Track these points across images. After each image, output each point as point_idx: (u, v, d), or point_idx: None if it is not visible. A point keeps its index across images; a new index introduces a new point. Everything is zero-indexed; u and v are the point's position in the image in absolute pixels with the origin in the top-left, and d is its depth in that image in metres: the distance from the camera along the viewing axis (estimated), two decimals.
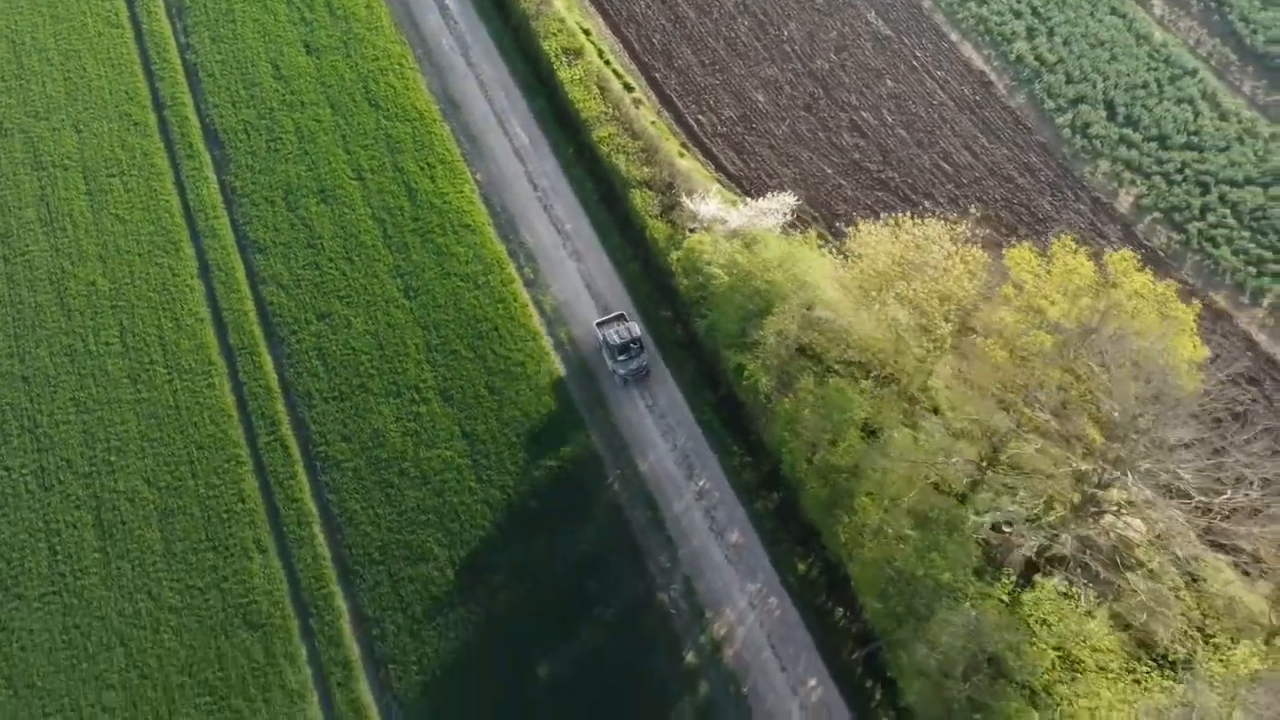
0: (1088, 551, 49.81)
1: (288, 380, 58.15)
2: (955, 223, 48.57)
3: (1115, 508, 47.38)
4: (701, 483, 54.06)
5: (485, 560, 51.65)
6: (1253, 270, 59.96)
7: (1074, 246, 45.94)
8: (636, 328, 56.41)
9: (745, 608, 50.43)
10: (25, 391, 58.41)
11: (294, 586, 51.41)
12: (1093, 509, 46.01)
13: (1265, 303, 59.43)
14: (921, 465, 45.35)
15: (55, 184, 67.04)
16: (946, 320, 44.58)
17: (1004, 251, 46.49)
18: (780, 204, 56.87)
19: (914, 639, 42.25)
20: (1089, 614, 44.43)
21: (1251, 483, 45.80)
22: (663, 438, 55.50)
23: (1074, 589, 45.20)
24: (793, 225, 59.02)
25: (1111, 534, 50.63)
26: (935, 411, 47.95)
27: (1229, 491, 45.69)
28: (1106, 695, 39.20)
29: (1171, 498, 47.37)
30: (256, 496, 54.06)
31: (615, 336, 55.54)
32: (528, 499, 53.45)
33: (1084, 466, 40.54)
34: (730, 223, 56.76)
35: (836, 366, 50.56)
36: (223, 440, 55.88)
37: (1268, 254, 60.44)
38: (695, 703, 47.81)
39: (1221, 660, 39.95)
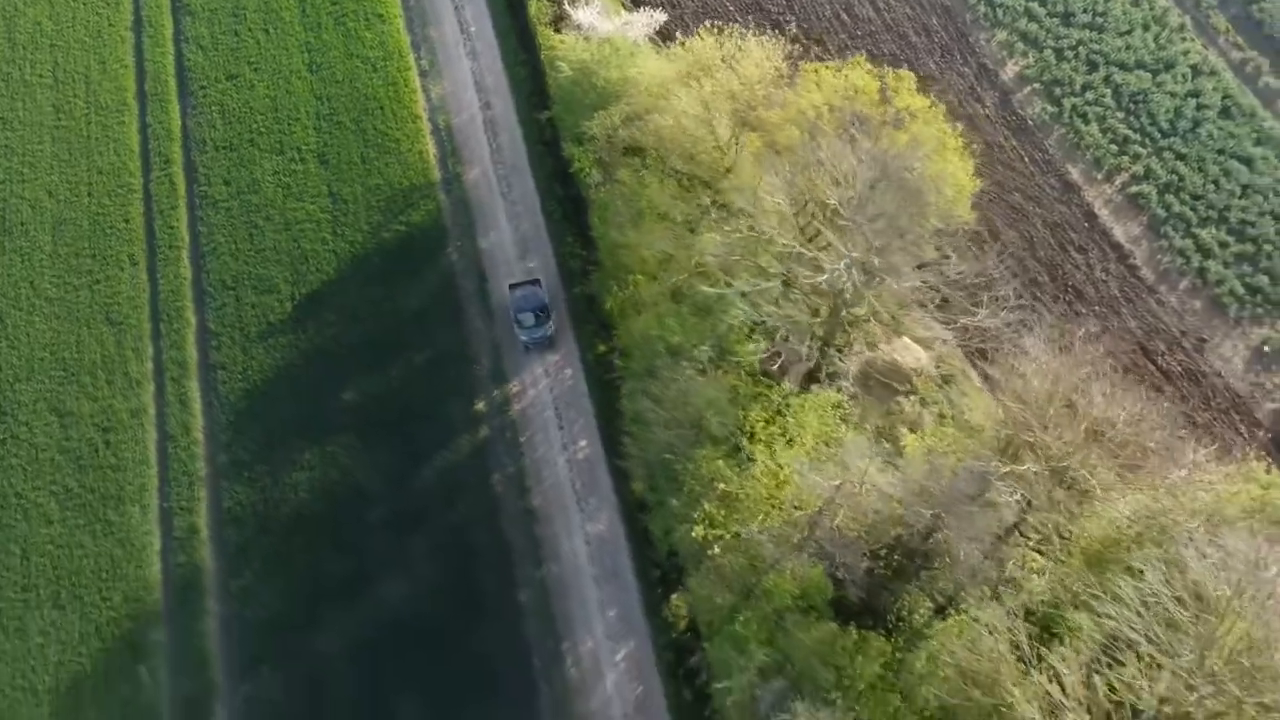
0: (865, 374, 53.63)
1: (188, 128, 64.12)
2: (778, 38, 51.45)
3: (867, 318, 50.89)
4: (531, 264, 58.64)
5: (322, 300, 57.50)
6: (1114, 149, 61.12)
7: (867, 65, 48.52)
8: (545, 295, 55.70)
9: (540, 374, 55.46)
10: None
11: (154, 297, 58.13)
12: (846, 316, 49.46)
13: (1118, 181, 60.78)
14: (694, 252, 49.23)
15: None
16: (726, 115, 47.76)
17: (801, 65, 49.27)
18: (649, 19, 59.75)
19: (640, 392, 46.90)
20: (842, 421, 48.34)
21: (998, 299, 48.76)
22: (508, 222, 60.06)
23: (843, 399, 49.13)
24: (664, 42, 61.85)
25: (885, 356, 54.36)
26: (720, 206, 51.29)
27: (982, 312, 48.76)
28: (789, 454, 43.41)
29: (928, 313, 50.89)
30: (139, 220, 60.62)
31: (524, 303, 55.17)
32: (373, 255, 58.88)
33: (798, 250, 43.48)
34: (601, 30, 59.85)
35: (654, 163, 54.11)
36: (121, 170, 62.35)
37: (1135, 136, 61.42)
38: (474, 441, 53.42)
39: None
